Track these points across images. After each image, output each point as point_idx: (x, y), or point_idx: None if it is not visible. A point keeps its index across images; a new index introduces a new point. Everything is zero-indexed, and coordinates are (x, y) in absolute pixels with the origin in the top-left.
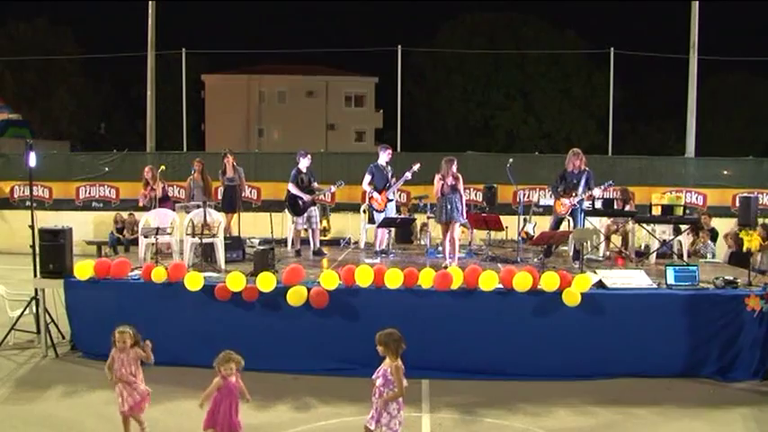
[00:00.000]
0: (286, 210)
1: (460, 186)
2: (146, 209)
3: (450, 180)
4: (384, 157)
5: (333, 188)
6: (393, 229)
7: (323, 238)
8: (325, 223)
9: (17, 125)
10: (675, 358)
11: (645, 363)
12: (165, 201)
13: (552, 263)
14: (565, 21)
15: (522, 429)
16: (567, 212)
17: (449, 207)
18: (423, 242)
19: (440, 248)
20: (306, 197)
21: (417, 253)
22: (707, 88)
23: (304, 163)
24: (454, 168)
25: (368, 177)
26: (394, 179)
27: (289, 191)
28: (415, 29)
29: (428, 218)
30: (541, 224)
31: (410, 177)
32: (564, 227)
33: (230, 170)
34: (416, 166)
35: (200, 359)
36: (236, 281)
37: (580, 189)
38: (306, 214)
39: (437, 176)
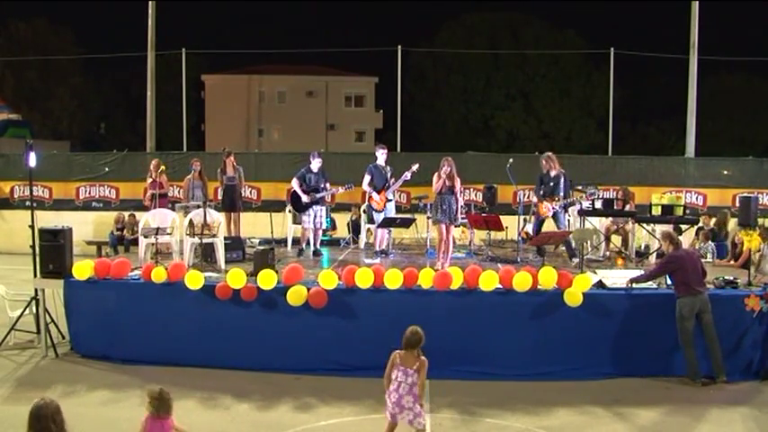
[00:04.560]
0: (288, 209)
1: (456, 188)
2: (151, 204)
3: (447, 181)
4: (382, 156)
5: (341, 189)
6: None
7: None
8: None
9: (17, 125)
10: (675, 358)
11: (645, 363)
12: (164, 197)
13: (552, 263)
14: (565, 21)
15: (522, 429)
16: (549, 214)
17: (444, 207)
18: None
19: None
20: (305, 198)
21: (417, 253)
22: (707, 88)
23: (315, 164)
24: (447, 169)
25: (367, 178)
26: (393, 179)
27: (292, 188)
28: (415, 29)
29: (428, 217)
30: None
31: (409, 178)
32: (549, 227)
33: (231, 169)
34: (415, 167)
35: (200, 359)
36: (236, 278)
37: (561, 194)
38: (312, 213)
39: (436, 175)
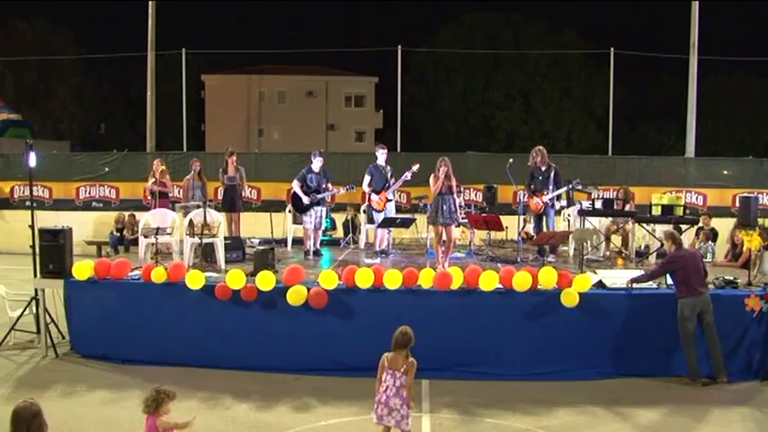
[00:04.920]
0: (288, 209)
1: (454, 187)
2: (151, 201)
3: (446, 181)
4: (382, 156)
5: (342, 190)
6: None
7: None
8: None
9: (17, 125)
10: (675, 358)
11: (645, 363)
12: (165, 197)
13: (552, 262)
14: (565, 21)
15: (522, 429)
16: (541, 209)
17: (445, 208)
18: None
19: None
20: (306, 199)
21: (417, 253)
22: (707, 88)
23: (316, 164)
24: (445, 169)
25: (367, 178)
26: (393, 179)
27: (292, 189)
28: (415, 29)
29: (428, 217)
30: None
31: (409, 178)
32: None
33: (232, 169)
34: (416, 167)
35: (200, 359)
36: (235, 278)
37: (550, 186)
38: (313, 213)
39: (433, 176)
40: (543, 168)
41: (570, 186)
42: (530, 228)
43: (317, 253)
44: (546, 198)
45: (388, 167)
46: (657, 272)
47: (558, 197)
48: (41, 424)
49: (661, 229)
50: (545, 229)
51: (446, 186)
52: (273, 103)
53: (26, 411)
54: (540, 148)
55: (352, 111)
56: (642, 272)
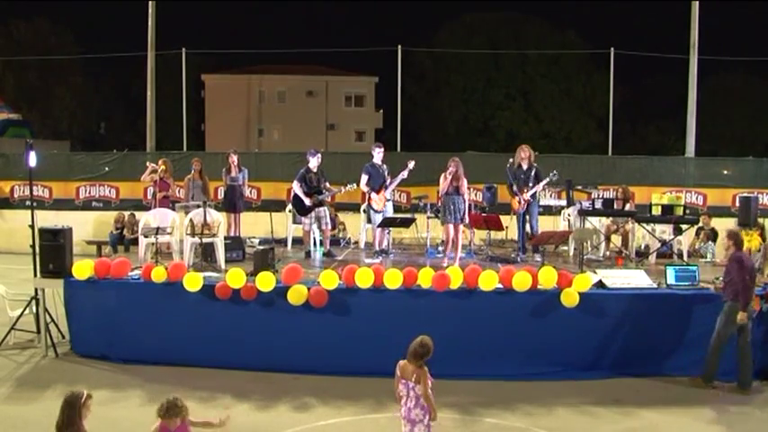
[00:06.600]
0: (288, 209)
1: (462, 188)
2: (152, 199)
3: (453, 181)
4: (378, 156)
5: (343, 189)
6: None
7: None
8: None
9: (17, 125)
10: (675, 358)
11: (645, 363)
12: (166, 196)
13: (552, 262)
14: (565, 21)
15: (522, 429)
16: (523, 209)
17: (452, 208)
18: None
19: (440, 248)
20: (308, 201)
21: (417, 253)
22: (707, 88)
23: (313, 162)
24: (452, 169)
25: (365, 177)
26: (389, 177)
27: (293, 189)
28: (415, 29)
29: (428, 217)
30: (542, 224)
31: (406, 176)
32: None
33: (234, 170)
34: (411, 164)
35: (200, 359)
36: (235, 278)
37: (530, 184)
38: (314, 214)
39: (443, 176)
40: (525, 167)
41: (548, 179)
42: (528, 228)
43: (329, 254)
44: (528, 194)
45: (385, 166)
46: (746, 280)
47: (538, 195)
48: (74, 415)
49: (661, 229)
50: (528, 227)
51: (452, 187)
52: (273, 102)
53: (69, 399)
54: (526, 146)
55: (352, 111)
56: (739, 296)
